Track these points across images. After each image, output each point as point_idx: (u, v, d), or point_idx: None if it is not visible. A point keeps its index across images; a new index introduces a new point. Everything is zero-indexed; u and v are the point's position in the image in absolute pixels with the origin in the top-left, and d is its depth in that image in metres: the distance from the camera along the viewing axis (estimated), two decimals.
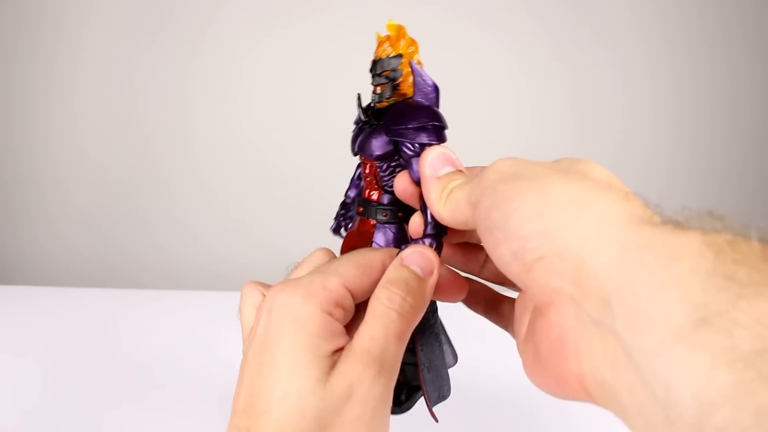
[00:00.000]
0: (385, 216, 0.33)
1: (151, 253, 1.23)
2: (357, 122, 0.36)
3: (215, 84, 1.22)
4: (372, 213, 0.33)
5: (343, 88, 1.20)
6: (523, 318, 0.26)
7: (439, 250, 0.29)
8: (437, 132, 0.31)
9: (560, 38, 1.21)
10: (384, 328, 0.25)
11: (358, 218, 0.35)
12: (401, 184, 0.31)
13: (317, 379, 0.23)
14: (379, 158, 0.32)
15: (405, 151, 0.31)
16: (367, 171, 0.34)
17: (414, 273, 0.27)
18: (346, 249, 0.35)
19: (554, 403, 0.52)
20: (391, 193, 0.33)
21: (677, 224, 0.19)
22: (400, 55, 0.32)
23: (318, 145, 1.20)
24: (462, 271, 0.33)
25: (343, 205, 0.38)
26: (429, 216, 0.29)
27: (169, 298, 0.88)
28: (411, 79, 0.32)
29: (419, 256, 0.27)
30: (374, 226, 0.34)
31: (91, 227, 1.24)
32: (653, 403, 0.16)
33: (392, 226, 0.33)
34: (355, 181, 0.37)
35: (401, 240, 0.33)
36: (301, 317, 0.24)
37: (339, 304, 0.26)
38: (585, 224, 0.19)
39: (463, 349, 0.36)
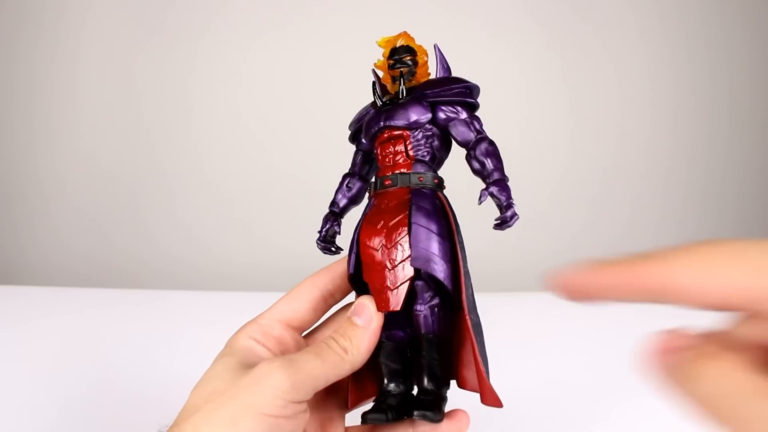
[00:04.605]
0: (421, 180, 0.34)
1: (151, 253, 1.23)
2: (365, 111, 0.38)
3: (215, 84, 1.22)
4: (405, 180, 0.34)
5: (344, 86, 1.20)
6: None
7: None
8: (475, 92, 0.35)
9: (559, 38, 1.21)
10: (315, 356, 0.30)
11: (381, 194, 0.34)
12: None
13: (229, 369, 0.29)
14: (416, 125, 0.34)
15: (448, 115, 0.35)
16: (392, 149, 0.35)
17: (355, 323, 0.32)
18: (371, 228, 0.33)
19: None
20: (425, 162, 0.35)
21: None
22: (413, 49, 0.36)
23: (319, 144, 1.20)
24: None
25: (332, 215, 0.38)
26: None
27: (169, 298, 0.88)
28: (426, 68, 0.37)
29: (360, 308, 0.32)
30: (410, 191, 0.33)
31: (92, 227, 1.23)
32: None
33: (428, 189, 0.34)
34: (344, 190, 0.38)
35: (439, 205, 0.33)
36: (231, 342, 0.33)
37: (265, 333, 0.33)
38: None
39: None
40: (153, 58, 1.21)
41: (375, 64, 0.38)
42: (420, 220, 0.32)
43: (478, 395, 0.32)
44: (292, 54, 1.20)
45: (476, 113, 0.36)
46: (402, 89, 0.36)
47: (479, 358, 0.31)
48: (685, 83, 1.23)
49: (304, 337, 0.36)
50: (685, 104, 1.24)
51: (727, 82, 1.23)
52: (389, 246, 0.32)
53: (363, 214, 0.35)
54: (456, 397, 0.33)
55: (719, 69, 1.23)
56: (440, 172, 0.36)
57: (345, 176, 0.39)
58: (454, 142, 0.36)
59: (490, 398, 0.31)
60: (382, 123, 0.35)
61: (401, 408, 0.31)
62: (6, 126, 1.24)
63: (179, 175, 1.23)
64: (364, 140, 0.37)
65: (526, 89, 1.22)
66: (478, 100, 0.36)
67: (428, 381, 0.31)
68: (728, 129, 1.25)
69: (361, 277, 0.33)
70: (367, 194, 0.37)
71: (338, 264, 0.35)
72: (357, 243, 0.33)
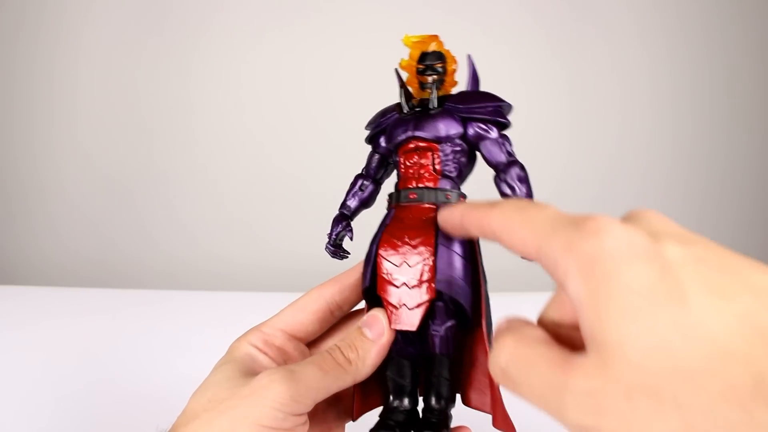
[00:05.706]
0: (448, 198, 0.33)
1: (151, 253, 1.23)
2: (387, 113, 0.36)
3: (215, 84, 1.22)
4: (431, 197, 0.32)
5: (345, 86, 1.20)
6: None
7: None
8: (507, 111, 0.35)
9: (559, 38, 1.21)
10: (317, 368, 0.29)
11: (404, 208, 0.33)
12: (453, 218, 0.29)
13: (229, 377, 0.29)
14: (446, 139, 0.33)
15: (479, 132, 0.34)
16: (417, 160, 0.33)
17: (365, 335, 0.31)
18: (392, 242, 0.32)
19: None
20: (451, 178, 0.33)
21: None
22: (444, 56, 0.35)
23: (319, 144, 1.20)
24: None
25: (342, 218, 0.37)
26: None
27: (169, 298, 0.88)
28: (453, 76, 0.36)
29: (372, 320, 0.31)
30: (435, 209, 0.32)
31: (91, 227, 1.24)
32: None
33: None
34: (357, 192, 0.37)
35: None
36: (233, 348, 0.32)
37: (267, 342, 0.33)
38: None
39: None
40: (153, 59, 1.21)
41: (400, 64, 0.36)
42: (446, 242, 0.31)
43: (478, 411, 0.32)
44: (292, 55, 1.20)
45: (506, 132, 0.35)
46: (434, 99, 0.34)
47: (496, 383, 0.30)
48: (684, 83, 1.23)
49: (310, 343, 0.35)
50: (685, 105, 1.24)
51: (727, 83, 1.23)
52: (411, 265, 0.31)
53: (382, 225, 0.33)
54: (459, 411, 0.33)
55: (719, 69, 1.23)
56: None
57: (357, 177, 0.37)
58: (481, 158, 0.35)
59: (503, 423, 0.30)
60: (410, 132, 0.33)
61: (407, 424, 0.31)
62: (6, 126, 1.24)
63: (179, 175, 1.23)
64: (384, 144, 0.36)
65: (526, 89, 1.22)
66: (509, 117, 0.35)
67: (436, 401, 0.31)
68: (728, 129, 1.25)
69: (376, 291, 0.32)
70: (387, 202, 0.35)
71: (347, 275, 0.34)
72: (375, 256, 0.32)
